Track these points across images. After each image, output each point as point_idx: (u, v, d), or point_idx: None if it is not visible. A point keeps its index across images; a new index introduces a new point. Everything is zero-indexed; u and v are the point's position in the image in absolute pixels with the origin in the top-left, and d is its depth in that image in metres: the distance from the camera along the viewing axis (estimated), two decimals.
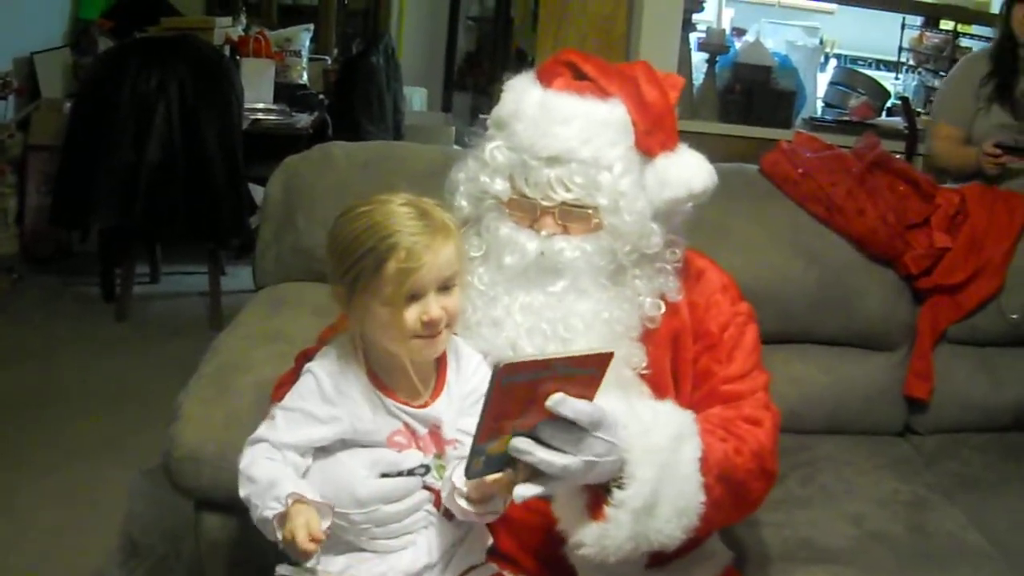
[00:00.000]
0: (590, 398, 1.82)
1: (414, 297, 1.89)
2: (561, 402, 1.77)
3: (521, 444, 1.80)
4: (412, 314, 1.89)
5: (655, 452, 1.92)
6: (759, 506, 2.25)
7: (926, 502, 2.87)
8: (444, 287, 1.93)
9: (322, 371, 2.01)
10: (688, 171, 2.17)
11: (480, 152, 2.19)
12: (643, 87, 2.15)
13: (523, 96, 2.17)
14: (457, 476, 1.91)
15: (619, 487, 1.90)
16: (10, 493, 4.07)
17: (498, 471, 1.86)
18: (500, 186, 2.13)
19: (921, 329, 3.25)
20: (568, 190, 2.07)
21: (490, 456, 1.83)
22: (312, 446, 2.00)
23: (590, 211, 2.09)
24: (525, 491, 1.83)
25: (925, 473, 3.06)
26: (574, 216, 2.09)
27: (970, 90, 4.40)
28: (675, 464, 1.95)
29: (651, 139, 2.14)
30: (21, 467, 4.28)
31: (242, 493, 1.98)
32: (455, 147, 3.35)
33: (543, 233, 2.09)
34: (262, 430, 2.01)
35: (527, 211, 2.11)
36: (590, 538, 1.93)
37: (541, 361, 1.76)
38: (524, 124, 2.11)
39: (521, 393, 1.75)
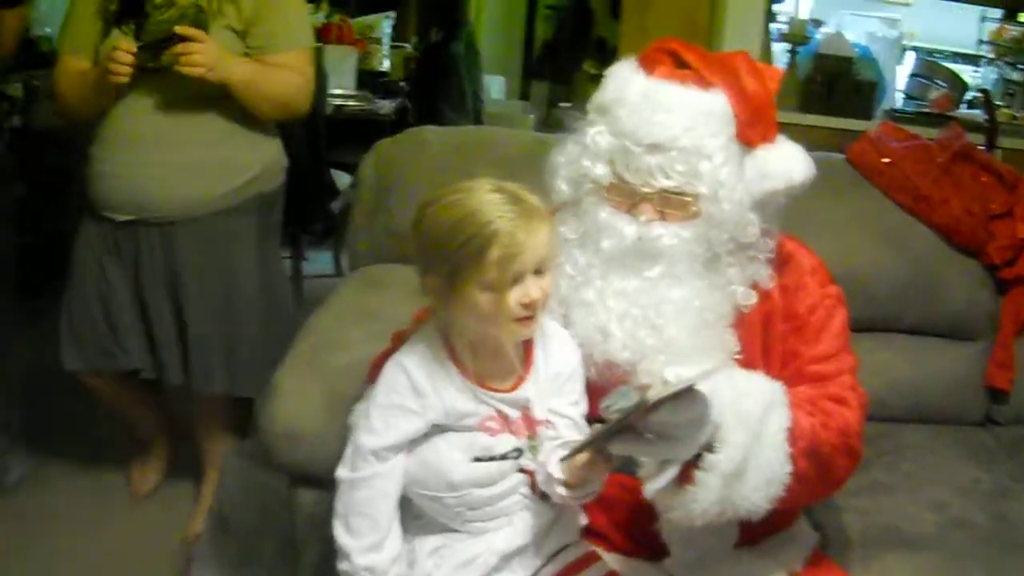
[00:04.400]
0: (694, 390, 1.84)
1: (515, 281, 1.91)
2: (667, 418, 1.80)
3: (629, 443, 1.84)
4: (513, 298, 1.91)
5: (747, 418, 1.95)
6: (842, 485, 2.25)
7: (1008, 491, 2.86)
8: (539, 270, 1.94)
9: (412, 363, 2.04)
10: (787, 163, 2.18)
11: (582, 136, 2.20)
12: (744, 78, 2.16)
13: (626, 83, 2.18)
14: (553, 466, 1.94)
15: (711, 451, 1.92)
16: (97, 467, 4.14)
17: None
18: (601, 171, 2.14)
19: (1004, 319, 3.24)
20: (668, 177, 2.08)
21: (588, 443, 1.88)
22: (409, 439, 2.03)
23: (689, 199, 2.10)
24: (655, 485, 1.88)
25: (1007, 463, 3.04)
26: (673, 203, 2.10)
27: None
28: (764, 433, 1.97)
29: (751, 130, 2.15)
30: (108, 441, 4.32)
31: (338, 539, 2.05)
32: (547, 134, 3.35)
33: (641, 219, 2.10)
34: (363, 437, 2.03)
35: (626, 196, 2.12)
36: (678, 502, 1.95)
37: (676, 392, 1.77)
38: (627, 111, 2.12)
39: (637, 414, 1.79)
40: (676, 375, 2.00)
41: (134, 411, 4.01)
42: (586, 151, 2.17)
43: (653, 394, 1.75)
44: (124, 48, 3.17)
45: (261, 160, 3.57)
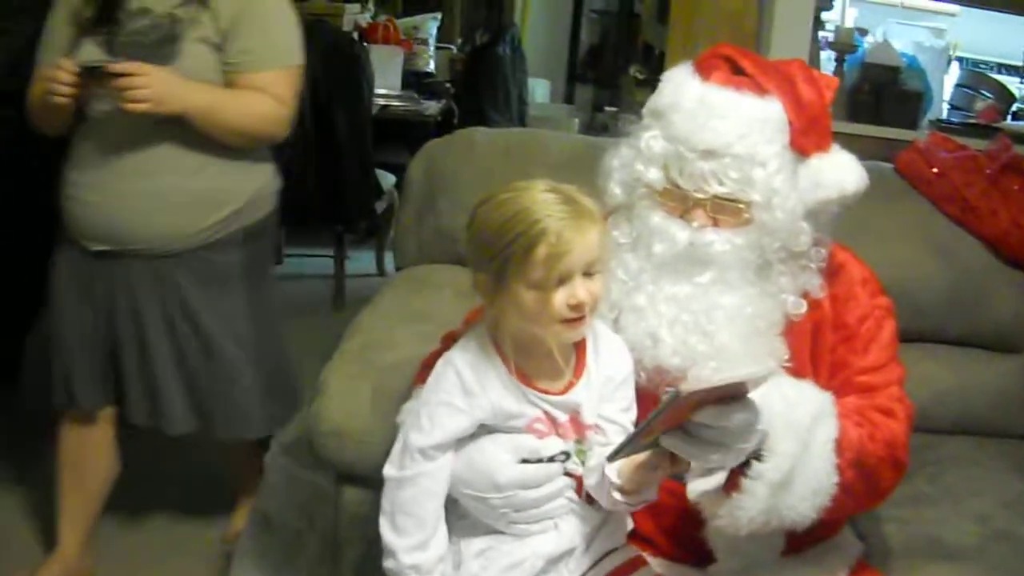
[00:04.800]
0: (743, 396, 1.85)
1: (562, 281, 1.90)
2: (714, 417, 1.80)
3: (674, 441, 1.84)
4: (560, 298, 1.90)
5: (796, 428, 1.95)
6: (887, 497, 2.24)
7: None
8: (588, 272, 1.93)
9: (462, 361, 2.03)
10: (841, 172, 2.18)
11: (636, 140, 2.20)
12: (800, 86, 2.17)
13: (681, 88, 2.18)
14: (610, 470, 1.94)
15: (758, 459, 1.92)
16: (140, 461, 4.16)
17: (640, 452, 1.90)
18: (654, 175, 2.14)
19: None
20: (722, 184, 2.07)
21: (637, 445, 1.87)
22: (457, 438, 2.02)
23: (742, 206, 2.09)
24: (700, 486, 1.88)
25: None
26: (726, 210, 2.10)
27: None
28: (812, 443, 1.97)
29: (806, 139, 2.15)
30: (151, 436, 4.35)
31: (384, 537, 2.05)
32: (598, 138, 3.35)
33: (694, 224, 2.10)
34: (411, 435, 2.03)
35: (679, 201, 2.12)
36: (724, 509, 1.95)
37: (713, 388, 1.78)
38: (681, 116, 2.12)
39: (683, 408, 1.78)
40: (720, 374, 2.01)
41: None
42: (640, 155, 2.17)
43: (686, 387, 1.74)
44: (66, 69, 2.89)
45: (245, 191, 3.28)
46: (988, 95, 5.95)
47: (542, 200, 1.92)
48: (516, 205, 1.92)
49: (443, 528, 2.06)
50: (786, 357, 2.17)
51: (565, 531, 2.08)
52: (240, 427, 3.40)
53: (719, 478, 1.90)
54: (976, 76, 6.24)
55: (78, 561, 3.49)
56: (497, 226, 1.92)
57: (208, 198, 3.20)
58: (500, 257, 1.91)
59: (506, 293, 1.93)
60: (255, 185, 3.31)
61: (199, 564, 3.64)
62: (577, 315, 1.94)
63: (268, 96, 3.14)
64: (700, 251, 2.11)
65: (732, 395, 1.83)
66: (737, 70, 2.19)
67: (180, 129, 3.06)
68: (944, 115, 5.82)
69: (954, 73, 6.30)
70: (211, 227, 3.21)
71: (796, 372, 2.17)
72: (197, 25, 3.06)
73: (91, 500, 3.49)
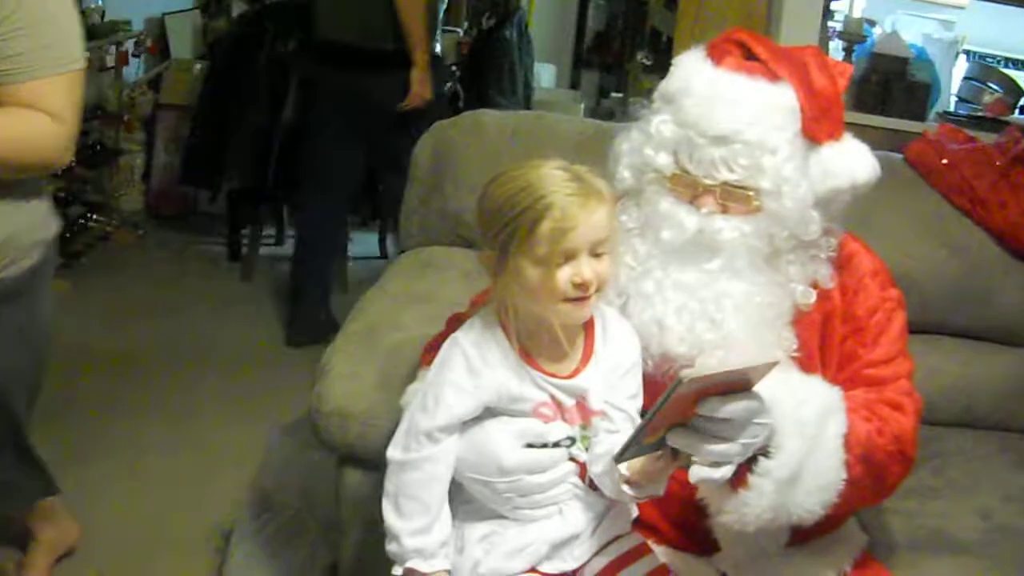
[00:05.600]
0: (748, 389, 1.84)
1: (567, 258, 1.89)
2: (715, 407, 1.80)
3: (681, 435, 1.83)
4: (564, 275, 1.89)
5: (804, 425, 1.93)
6: (894, 490, 2.24)
7: None
8: (595, 252, 1.92)
9: (468, 342, 2.02)
10: (853, 162, 2.16)
11: (646, 125, 2.18)
12: (813, 73, 2.15)
13: (693, 72, 2.17)
14: (620, 464, 1.92)
15: (766, 456, 1.91)
16: (135, 446, 4.16)
17: (649, 454, 1.89)
18: (664, 160, 2.12)
19: None
20: (731, 170, 2.06)
21: (643, 445, 1.86)
22: (462, 420, 2.01)
23: (751, 193, 2.08)
24: (701, 473, 1.85)
25: None
26: (735, 197, 2.08)
27: None
28: (820, 438, 1.96)
29: (818, 127, 2.13)
30: (148, 421, 4.36)
31: (387, 520, 2.03)
32: (606, 122, 3.34)
33: (703, 211, 2.08)
34: (417, 416, 2.01)
35: (688, 187, 2.10)
36: (731, 505, 1.95)
37: (717, 374, 1.78)
38: (693, 101, 2.11)
39: (689, 397, 1.78)
40: (720, 360, 2.00)
41: None
42: (650, 140, 2.16)
43: (687, 373, 1.74)
44: None
45: None
46: (997, 88, 5.94)
47: (550, 176, 1.91)
48: (524, 180, 1.91)
49: (447, 512, 2.05)
50: (794, 347, 2.16)
51: (569, 517, 2.06)
52: None
53: (726, 471, 1.87)
54: (985, 69, 6.23)
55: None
56: (504, 199, 1.91)
57: None
58: (506, 231, 1.90)
59: (511, 268, 1.92)
60: (14, 229, 2.59)
61: (194, 555, 3.60)
62: (581, 294, 1.92)
63: (39, 112, 2.44)
64: (709, 238, 2.09)
65: (737, 386, 1.82)
66: (750, 56, 2.17)
67: None
68: (951, 108, 5.81)
69: (962, 66, 6.29)
70: None
71: (804, 363, 2.16)
72: None
73: None
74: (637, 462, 1.90)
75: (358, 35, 5.20)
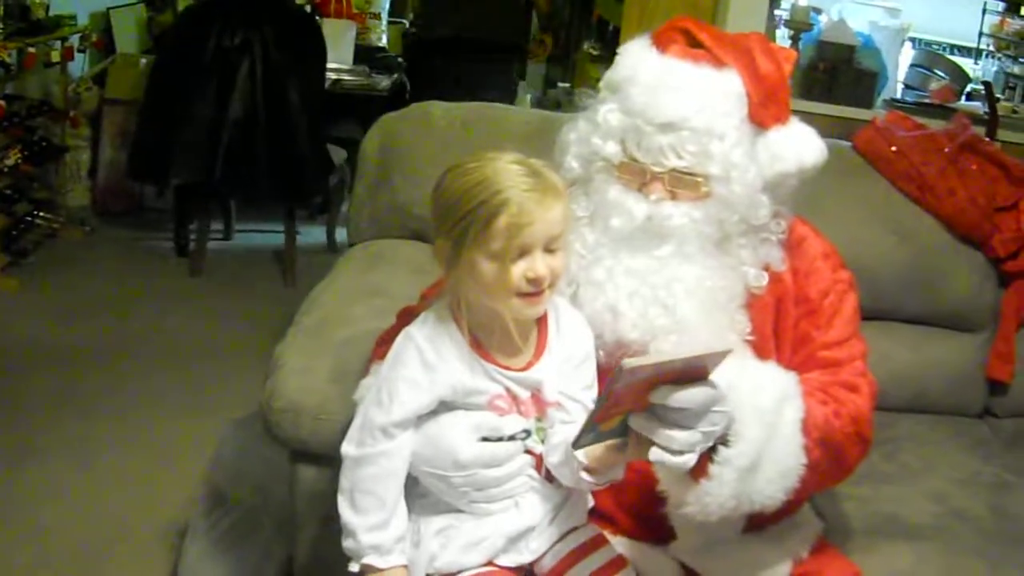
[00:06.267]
0: (704, 378, 1.83)
1: (521, 253, 1.88)
2: (668, 395, 1.78)
3: (642, 422, 1.82)
4: (518, 271, 1.88)
5: (763, 412, 1.93)
6: (852, 472, 2.24)
7: (1007, 484, 2.87)
8: (550, 247, 1.91)
9: (422, 336, 2.00)
10: (800, 145, 2.17)
11: (593, 114, 2.18)
12: (758, 59, 2.15)
13: (639, 61, 2.17)
14: (578, 451, 1.91)
15: (725, 444, 1.91)
16: (87, 444, 4.13)
17: (607, 440, 1.89)
18: (611, 149, 2.12)
19: (1005, 312, 3.25)
20: (680, 157, 2.06)
21: (601, 432, 1.85)
22: (416, 415, 2.00)
23: (700, 179, 2.08)
24: (661, 456, 1.83)
25: (1005, 455, 3.06)
26: (684, 183, 2.08)
27: None
28: (779, 425, 1.96)
29: (764, 111, 2.14)
30: (98, 418, 4.33)
31: (343, 516, 2.02)
32: (555, 112, 3.34)
33: (652, 198, 2.08)
34: (371, 411, 2.00)
35: (637, 175, 2.10)
36: (692, 495, 1.93)
37: (664, 362, 1.77)
38: (639, 89, 2.11)
39: (640, 386, 1.77)
40: (674, 346, 2.01)
41: None
42: (597, 129, 2.16)
43: (628, 361, 1.72)
44: None
45: None
46: (943, 75, 5.98)
47: (507, 171, 1.90)
48: (481, 173, 1.90)
49: (403, 507, 2.04)
50: (748, 330, 2.17)
51: (526, 509, 2.06)
52: None
53: (687, 457, 1.86)
54: (931, 56, 6.28)
55: None
56: (460, 193, 1.90)
57: None
58: (461, 224, 1.89)
59: (464, 262, 1.91)
60: None
61: (150, 553, 3.56)
62: (535, 289, 1.91)
63: None
64: (658, 225, 2.09)
65: (692, 374, 1.81)
66: (695, 43, 2.17)
67: None
68: (898, 95, 5.84)
69: (908, 53, 6.32)
70: None
71: (759, 346, 2.18)
72: None
73: None
74: (595, 449, 1.90)
75: None
